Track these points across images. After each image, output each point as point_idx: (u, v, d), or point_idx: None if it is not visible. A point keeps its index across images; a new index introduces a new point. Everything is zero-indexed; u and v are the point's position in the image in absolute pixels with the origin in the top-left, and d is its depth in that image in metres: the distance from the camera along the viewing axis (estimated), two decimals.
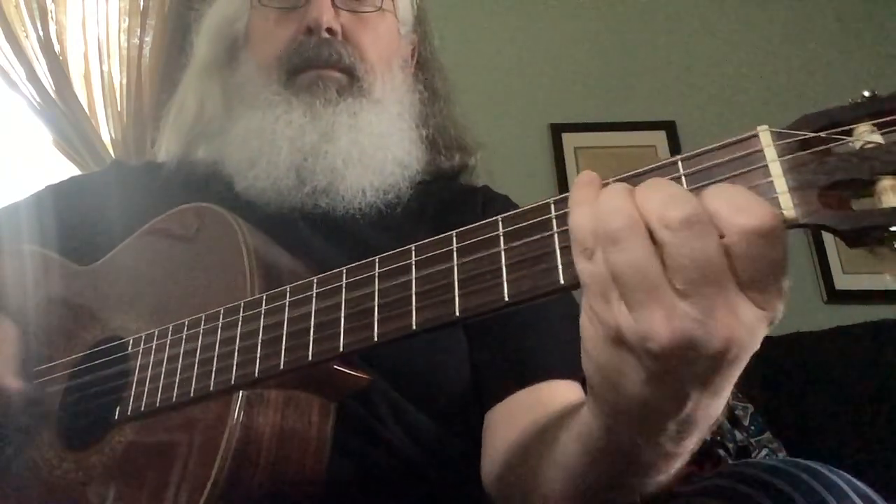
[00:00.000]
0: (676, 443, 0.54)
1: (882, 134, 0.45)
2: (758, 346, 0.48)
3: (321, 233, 1.02)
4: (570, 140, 2.78)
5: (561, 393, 0.85)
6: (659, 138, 2.75)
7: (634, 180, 0.51)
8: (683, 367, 0.47)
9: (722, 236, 0.45)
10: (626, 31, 2.93)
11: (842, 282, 2.54)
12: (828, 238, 2.55)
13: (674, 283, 0.45)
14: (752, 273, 0.45)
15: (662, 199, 0.46)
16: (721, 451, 1.85)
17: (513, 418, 0.86)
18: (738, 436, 1.91)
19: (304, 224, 1.02)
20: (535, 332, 0.92)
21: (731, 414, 1.94)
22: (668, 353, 0.46)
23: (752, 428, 1.93)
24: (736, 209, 0.44)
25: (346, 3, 1.09)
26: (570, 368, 0.88)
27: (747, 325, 0.46)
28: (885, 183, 0.43)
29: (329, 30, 1.05)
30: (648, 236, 0.46)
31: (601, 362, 0.50)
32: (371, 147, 1.04)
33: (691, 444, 0.56)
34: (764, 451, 1.88)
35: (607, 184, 0.50)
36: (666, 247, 0.45)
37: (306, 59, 1.05)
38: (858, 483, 0.59)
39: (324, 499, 0.79)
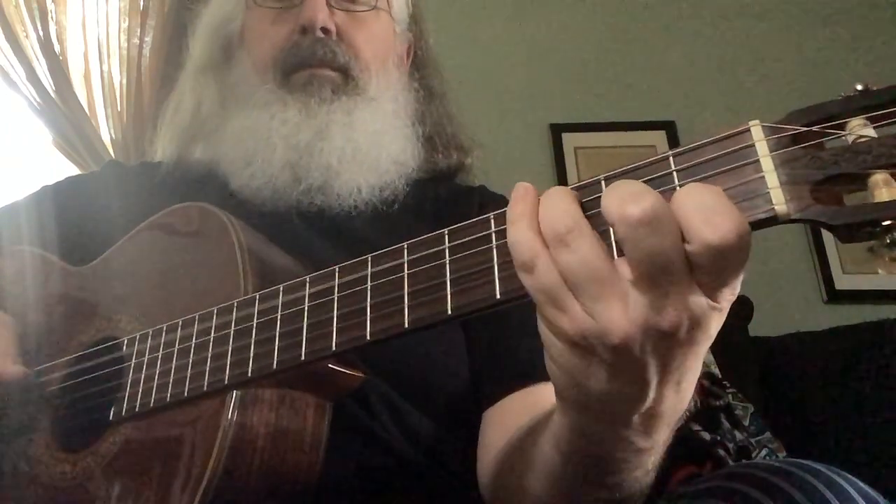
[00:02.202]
0: (645, 437, 0.55)
1: (875, 128, 0.45)
2: (712, 335, 0.49)
3: (317, 231, 1.02)
4: (570, 140, 2.77)
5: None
6: (659, 138, 2.75)
7: (627, 175, 0.51)
8: (641, 353, 0.48)
9: (686, 241, 0.45)
10: (626, 31, 2.93)
11: (842, 282, 2.54)
12: (828, 238, 2.55)
13: (630, 275, 0.46)
14: (709, 278, 0.46)
15: (622, 196, 0.46)
16: (721, 451, 1.85)
17: (506, 421, 0.86)
18: (738, 436, 1.90)
19: (299, 222, 1.02)
20: (532, 333, 0.92)
21: (731, 414, 1.94)
22: (627, 344, 0.47)
23: (752, 428, 1.93)
24: (703, 221, 0.44)
25: (340, 3, 1.09)
26: None
27: (696, 313, 0.47)
28: (878, 177, 0.43)
29: (324, 29, 1.05)
30: (594, 233, 0.48)
31: (565, 366, 0.52)
32: (366, 145, 1.04)
33: (661, 438, 0.57)
34: (764, 451, 1.88)
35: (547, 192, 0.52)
36: (625, 242, 0.46)
37: (301, 58, 1.05)
38: (862, 485, 0.59)
39: (320, 498, 0.79)
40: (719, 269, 0.45)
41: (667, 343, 0.47)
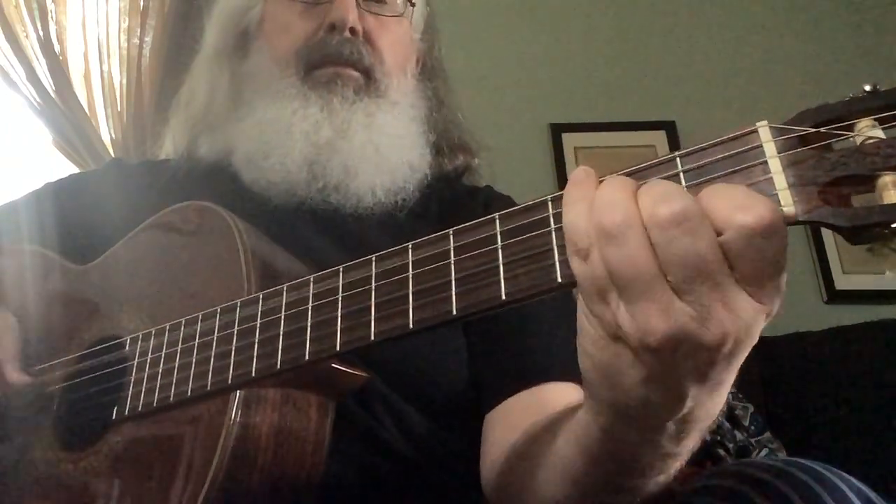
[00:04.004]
0: (676, 443, 0.54)
1: (883, 129, 0.44)
2: (755, 340, 0.47)
3: (322, 231, 1.02)
4: (570, 140, 2.78)
5: (561, 394, 0.85)
6: (659, 138, 2.75)
7: (633, 176, 0.50)
8: (681, 362, 0.46)
9: (720, 234, 0.44)
10: (626, 30, 2.93)
11: (842, 282, 2.54)
12: (828, 238, 2.55)
13: (668, 280, 0.45)
14: (750, 270, 0.45)
15: (653, 197, 0.46)
16: (721, 451, 1.85)
17: (512, 420, 0.85)
18: (738, 436, 1.91)
19: (306, 221, 1.02)
20: (535, 333, 0.92)
21: (731, 414, 1.94)
22: (665, 348, 0.45)
23: (752, 428, 1.93)
24: (735, 207, 0.44)
25: (368, 6, 1.09)
26: (571, 369, 0.87)
27: (744, 320, 0.45)
28: (886, 179, 0.43)
29: (352, 29, 1.05)
30: (646, 232, 0.46)
31: (600, 361, 0.50)
32: (385, 148, 1.05)
33: (691, 443, 0.55)
34: (764, 451, 1.88)
35: (607, 179, 0.50)
36: (657, 245, 0.45)
37: (326, 55, 1.05)
38: (857, 483, 0.58)
39: (322, 498, 0.79)
40: (759, 257, 0.44)
41: (710, 357, 0.46)
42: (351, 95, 1.04)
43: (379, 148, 1.04)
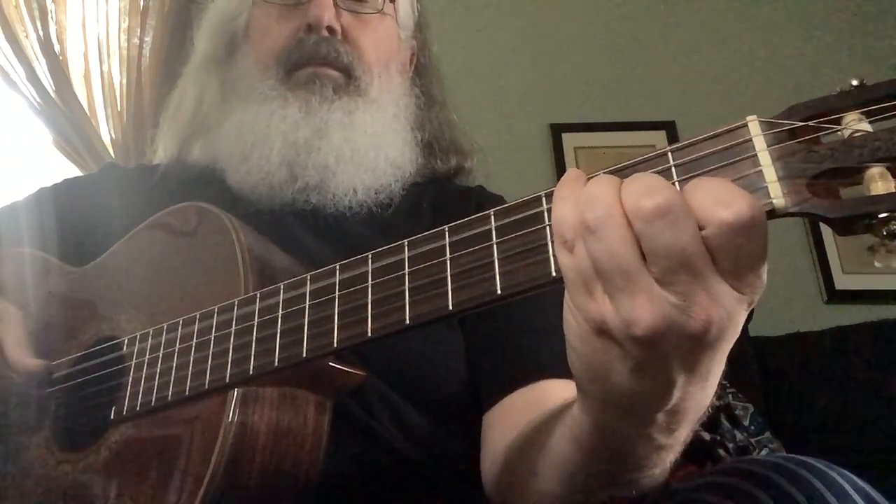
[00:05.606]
0: (667, 434, 0.54)
1: (870, 122, 0.45)
2: (739, 330, 0.48)
3: (312, 230, 1.02)
4: (570, 140, 2.78)
5: (558, 391, 0.85)
6: (659, 138, 2.76)
7: (624, 172, 0.51)
8: (667, 352, 0.47)
9: (702, 228, 0.45)
10: (627, 31, 2.94)
11: (842, 282, 2.54)
12: (828, 238, 2.56)
13: (652, 271, 0.46)
14: (730, 262, 0.45)
15: (637, 190, 0.46)
16: (721, 451, 1.85)
17: (511, 418, 0.86)
18: (738, 436, 1.91)
19: (294, 221, 1.02)
20: (532, 331, 0.92)
21: (731, 414, 1.94)
22: (651, 338, 0.46)
23: (752, 428, 1.93)
24: (716, 202, 0.45)
25: (347, 4, 1.09)
26: (567, 366, 0.88)
27: (726, 309, 0.46)
28: (874, 171, 0.43)
29: (329, 28, 1.06)
30: (627, 225, 0.46)
31: (587, 356, 0.51)
32: (364, 146, 1.05)
33: (683, 435, 0.56)
34: (764, 451, 1.88)
35: (594, 177, 0.51)
36: (641, 237, 0.46)
37: (304, 55, 1.06)
38: (858, 480, 0.59)
39: (320, 497, 0.79)
40: (739, 251, 0.45)
41: (695, 345, 0.47)
42: (330, 95, 1.04)
43: (357, 147, 1.04)
